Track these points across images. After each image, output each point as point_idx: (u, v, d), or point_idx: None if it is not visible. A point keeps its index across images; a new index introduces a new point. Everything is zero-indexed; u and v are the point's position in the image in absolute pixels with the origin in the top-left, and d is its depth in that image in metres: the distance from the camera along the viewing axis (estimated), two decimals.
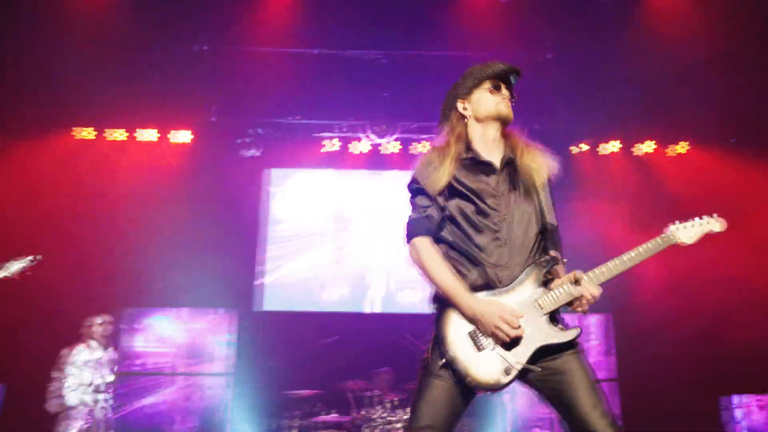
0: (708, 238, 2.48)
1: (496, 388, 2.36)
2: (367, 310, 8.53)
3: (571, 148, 8.68)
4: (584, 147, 8.71)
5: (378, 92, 8.40)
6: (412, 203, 2.67)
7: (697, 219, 2.54)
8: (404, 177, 9.13)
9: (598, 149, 8.70)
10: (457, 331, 2.42)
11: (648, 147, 8.68)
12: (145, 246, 7.77)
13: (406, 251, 2.62)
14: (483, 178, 2.59)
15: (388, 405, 6.73)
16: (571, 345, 2.40)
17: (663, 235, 2.53)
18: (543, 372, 2.37)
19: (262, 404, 7.51)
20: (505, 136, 2.72)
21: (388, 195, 9.15)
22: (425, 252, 2.53)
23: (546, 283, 2.49)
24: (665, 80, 7.76)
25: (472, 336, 2.40)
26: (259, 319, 8.21)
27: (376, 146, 8.82)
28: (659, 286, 7.69)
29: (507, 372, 2.34)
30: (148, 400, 7.48)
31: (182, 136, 8.61)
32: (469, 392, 2.43)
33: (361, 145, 8.83)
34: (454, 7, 7.09)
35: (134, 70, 7.69)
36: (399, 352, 7.36)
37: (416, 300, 8.63)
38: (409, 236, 2.60)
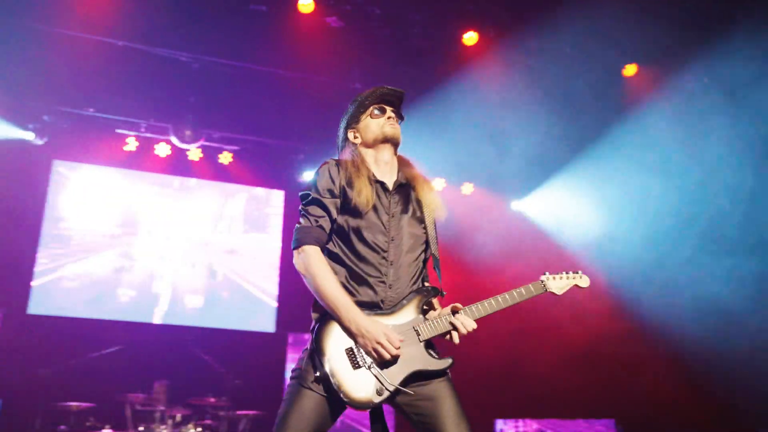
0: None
1: (368, 406, 2.40)
2: (152, 320, 8.18)
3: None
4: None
5: (184, 97, 8.15)
6: (305, 211, 2.62)
7: (565, 273, 2.74)
8: (205, 186, 8.97)
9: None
10: (336, 345, 2.43)
11: (439, 185, 9.30)
12: None
13: (294, 259, 2.58)
14: (376, 198, 2.63)
15: (170, 421, 6.48)
16: (442, 373, 2.50)
17: (536, 283, 2.70)
18: (413, 397, 2.44)
19: (27, 415, 6.85)
20: (400, 161, 2.81)
21: (184, 202, 8.89)
22: (315, 261, 2.51)
23: (425, 312, 2.58)
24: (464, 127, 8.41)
25: (350, 353, 2.42)
26: (31, 322, 7.52)
27: (177, 151, 8.52)
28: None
29: (379, 392, 2.39)
30: None
31: None
32: (338, 408, 2.45)
33: (162, 149, 8.49)
34: (281, 23, 7.10)
35: None
36: (184, 365, 7.15)
37: (204, 312, 8.46)
38: (299, 243, 2.55)
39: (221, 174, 8.95)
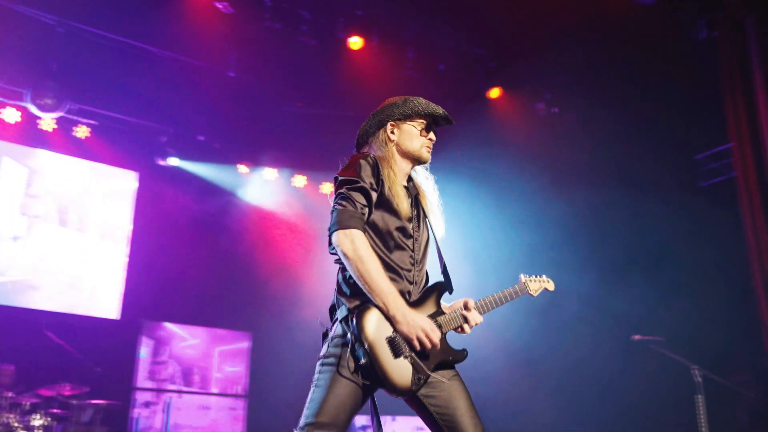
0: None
1: (408, 394, 2.48)
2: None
3: (238, 166, 8.98)
4: (244, 168, 9.06)
5: (46, 62, 7.58)
6: (349, 196, 2.55)
7: (536, 276, 2.96)
8: (55, 159, 8.42)
9: (262, 173, 9.12)
10: (379, 334, 2.44)
11: (300, 181, 9.37)
12: None
13: (335, 239, 2.51)
14: (405, 201, 2.68)
15: (18, 410, 6.03)
16: (458, 363, 2.63)
17: (520, 284, 2.91)
18: (434, 389, 2.54)
19: None
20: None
21: (31, 173, 8.23)
22: (365, 245, 2.48)
23: (439, 306, 2.68)
24: (332, 124, 8.58)
25: (390, 342, 2.45)
26: None
27: (28, 119, 7.87)
28: (299, 305, 8.35)
29: (418, 380, 2.47)
30: None
31: None
32: (368, 395, 2.49)
33: (10, 114, 7.80)
34: (171, 5, 6.87)
35: None
36: (30, 349, 6.68)
37: (44, 295, 7.90)
38: (346, 225, 2.48)
39: (74, 148, 8.41)
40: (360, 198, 2.56)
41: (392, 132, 2.81)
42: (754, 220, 7.08)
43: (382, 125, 2.83)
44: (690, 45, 8.03)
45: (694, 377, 4.65)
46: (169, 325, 7.85)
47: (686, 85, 8.21)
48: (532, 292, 2.94)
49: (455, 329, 2.71)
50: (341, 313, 2.55)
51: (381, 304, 2.45)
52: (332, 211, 2.58)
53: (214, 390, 7.60)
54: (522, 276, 2.95)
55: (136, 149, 8.71)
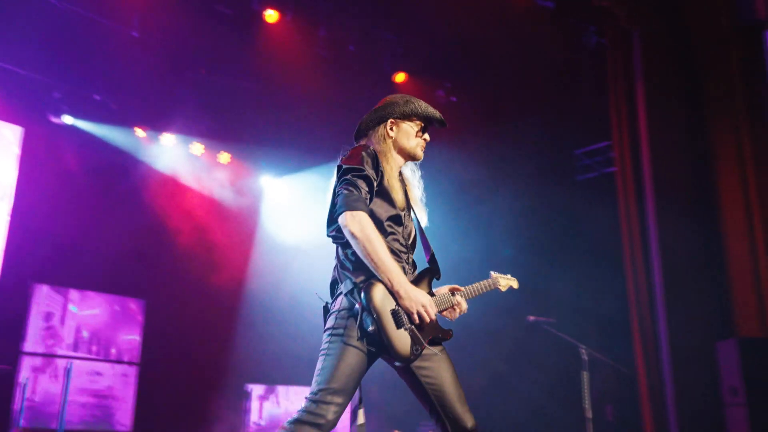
0: None
1: (407, 362, 2.68)
2: None
3: (135, 129, 8.72)
4: (140, 132, 8.82)
5: None
6: (355, 182, 2.73)
7: (501, 274, 3.23)
8: None
9: (160, 138, 8.91)
10: (384, 306, 2.64)
11: (197, 149, 9.22)
12: None
13: (343, 220, 2.68)
14: (401, 193, 2.89)
15: None
16: (445, 339, 2.84)
17: (491, 279, 3.16)
18: (426, 361, 2.76)
19: None
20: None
21: None
22: (371, 226, 2.66)
23: (430, 289, 2.91)
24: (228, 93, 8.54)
25: (394, 314, 2.66)
26: None
27: None
28: (196, 273, 8.32)
29: (416, 350, 2.68)
30: None
31: None
32: (369, 363, 2.68)
33: None
34: None
35: None
36: None
37: None
38: (354, 207, 2.66)
39: None
40: (364, 185, 2.76)
41: (391, 129, 3.03)
42: (629, 213, 7.82)
43: (382, 121, 3.04)
44: (582, 49, 8.68)
45: (581, 355, 5.16)
46: (61, 289, 7.56)
47: (576, 85, 8.89)
48: (501, 288, 3.21)
49: (442, 312, 2.96)
50: (346, 287, 2.75)
51: (386, 280, 2.66)
52: (337, 195, 2.76)
53: (107, 356, 7.45)
54: (492, 273, 3.23)
55: (25, 103, 8.26)
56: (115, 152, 8.53)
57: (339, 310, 2.74)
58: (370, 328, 2.62)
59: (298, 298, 8.29)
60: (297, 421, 2.57)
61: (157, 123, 8.84)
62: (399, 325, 2.67)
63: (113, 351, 7.52)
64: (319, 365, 2.68)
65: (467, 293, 3.03)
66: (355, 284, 2.71)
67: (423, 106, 3.07)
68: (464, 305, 2.97)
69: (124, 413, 7.36)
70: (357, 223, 2.64)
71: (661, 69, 7.98)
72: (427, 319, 2.70)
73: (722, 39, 7.87)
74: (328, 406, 2.56)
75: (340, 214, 2.70)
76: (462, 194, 8.71)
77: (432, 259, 2.99)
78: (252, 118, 8.80)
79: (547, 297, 7.73)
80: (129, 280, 7.91)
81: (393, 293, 2.69)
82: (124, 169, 8.56)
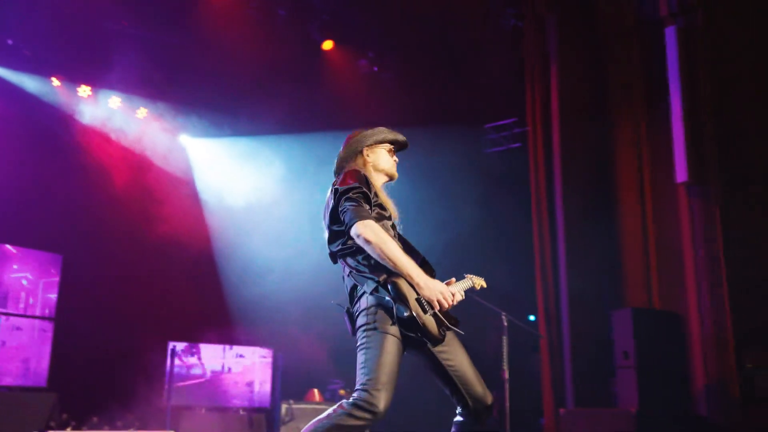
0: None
1: (438, 341, 2.97)
2: None
3: (52, 78, 8.41)
4: (56, 82, 8.53)
5: None
6: (355, 198, 3.02)
7: (474, 276, 3.55)
8: None
9: (77, 89, 8.63)
10: (410, 296, 2.91)
11: (114, 102, 8.99)
12: None
13: (356, 230, 2.94)
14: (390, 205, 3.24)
15: None
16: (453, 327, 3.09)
17: (467, 280, 3.45)
18: (443, 345, 3.03)
19: None
20: None
21: None
22: (383, 232, 2.95)
23: None
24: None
25: (418, 301, 2.93)
26: None
27: None
28: (116, 228, 8.23)
29: (442, 332, 2.98)
30: None
31: None
32: (404, 349, 2.95)
33: None
34: None
35: None
36: None
37: None
38: (363, 217, 2.94)
39: None
40: (364, 202, 3.05)
41: (368, 155, 3.36)
42: (538, 186, 8.44)
43: (357, 152, 3.36)
44: (499, 30, 9.13)
45: (503, 321, 5.67)
46: None
47: (490, 63, 9.34)
48: (476, 287, 3.55)
49: None
50: (369, 286, 2.98)
51: (405, 275, 2.94)
52: (344, 212, 3.02)
53: (25, 311, 7.31)
54: (466, 275, 3.54)
55: None
56: (31, 101, 8.23)
57: (367, 308, 2.97)
58: (406, 314, 2.88)
59: (221, 256, 8.43)
60: (353, 406, 2.78)
61: (74, 74, 8.57)
62: (425, 311, 2.97)
63: (31, 305, 7.41)
64: (361, 359, 2.88)
65: (459, 287, 3.35)
66: (378, 282, 2.96)
67: (388, 132, 3.44)
68: (461, 295, 3.27)
69: (41, 369, 7.29)
70: (370, 230, 2.92)
71: (573, 55, 8.56)
72: (446, 304, 3.02)
73: (627, 32, 8.54)
74: (379, 393, 2.78)
75: (352, 225, 2.97)
76: None
77: (424, 261, 3.24)
78: (174, 76, 8.70)
79: (461, 268, 8.23)
80: (46, 234, 7.74)
81: (413, 285, 2.97)
82: (40, 119, 8.28)
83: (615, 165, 8.30)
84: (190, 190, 9.02)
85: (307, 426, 2.82)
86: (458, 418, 3.10)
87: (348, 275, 3.11)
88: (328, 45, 8.86)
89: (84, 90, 8.74)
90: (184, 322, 7.99)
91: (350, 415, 2.76)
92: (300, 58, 8.73)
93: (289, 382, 8.22)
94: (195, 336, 7.90)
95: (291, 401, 7.72)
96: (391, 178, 3.43)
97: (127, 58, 8.46)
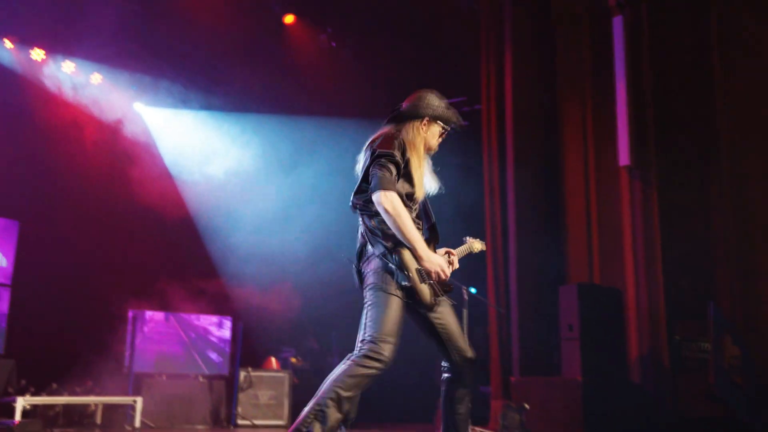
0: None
1: (430, 308, 3.29)
2: None
3: (4, 39, 8.22)
4: (8, 43, 8.34)
5: None
6: (386, 166, 3.23)
7: (474, 239, 3.88)
8: None
9: (30, 52, 8.45)
10: (412, 265, 3.21)
11: (37, 55, 8.75)
12: None
13: (378, 198, 3.18)
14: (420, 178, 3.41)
15: None
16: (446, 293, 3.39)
17: (467, 244, 3.80)
18: (436, 309, 3.34)
19: None
20: None
21: None
22: (401, 206, 3.19)
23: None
24: None
25: (418, 271, 3.23)
26: None
27: None
28: (74, 198, 8.19)
29: (435, 299, 3.30)
30: None
31: None
32: (404, 310, 3.24)
33: None
34: None
35: None
36: None
37: None
38: (387, 188, 3.17)
39: None
40: (393, 169, 3.28)
41: (423, 125, 3.48)
42: (491, 162, 8.81)
43: (418, 117, 3.47)
44: (455, 11, 9.39)
45: (464, 295, 6.03)
46: None
47: (445, 43, 9.60)
48: (475, 250, 3.90)
49: None
50: (378, 249, 3.28)
51: (411, 247, 3.24)
52: (372, 176, 3.26)
53: None
54: (467, 238, 3.89)
55: None
56: None
57: (375, 269, 3.29)
58: (404, 283, 3.22)
59: (183, 224, 8.51)
60: (363, 357, 3.10)
61: (27, 37, 8.40)
62: (423, 280, 3.28)
63: None
64: (369, 314, 3.21)
65: (458, 254, 3.70)
66: (386, 248, 3.27)
67: (455, 118, 3.60)
68: (456, 264, 3.64)
69: None
70: (389, 202, 3.18)
71: (527, 37, 8.91)
72: (443, 276, 3.34)
73: (578, 19, 8.93)
74: (386, 344, 3.12)
75: (376, 192, 3.22)
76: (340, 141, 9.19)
77: (432, 228, 3.56)
78: (131, 45, 8.63)
79: None
80: (1, 200, 7.67)
81: (416, 257, 3.27)
82: None
83: (563, 147, 8.74)
84: (149, 157, 9.01)
85: (323, 385, 3.10)
86: (445, 375, 3.46)
87: (362, 233, 3.41)
88: (289, 19, 8.93)
89: (37, 53, 8.60)
90: (144, 289, 8.07)
91: (361, 365, 3.08)
92: (262, 31, 8.78)
93: (248, 349, 8.46)
94: (155, 304, 8.01)
95: (249, 368, 7.96)
96: (429, 152, 3.58)
97: (83, 24, 8.37)
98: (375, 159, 3.31)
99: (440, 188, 3.62)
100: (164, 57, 8.73)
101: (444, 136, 3.60)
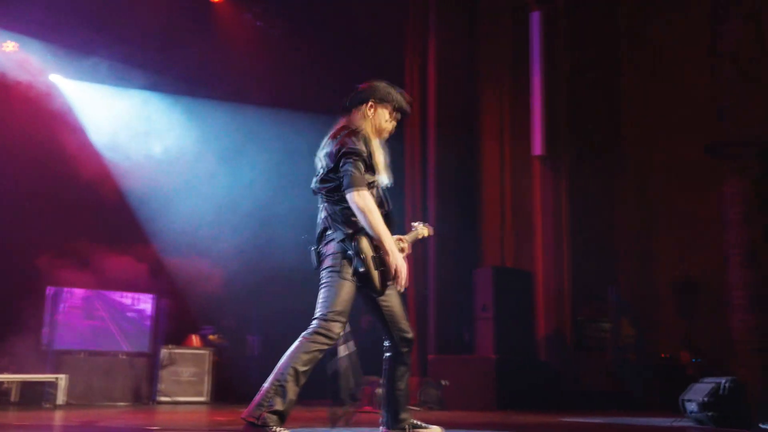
0: None
1: (381, 293, 3.45)
2: None
3: None
4: None
5: None
6: (354, 163, 3.36)
7: (422, 223, 4.02)
8: None
9: None
10: (369, 252, 3.38)
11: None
12: None
13: (351, 197, 3.33)
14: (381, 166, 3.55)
15: None
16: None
17: (416, 230, 3.93)
18: (385, 294, 3.51)
19: None
20: None
21: None
22: (372, 202, 3.35)
23: None
24: None
25: (374, 259, 3.38)
26: None
27: None
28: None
29: (384, 286, 3.44)
30: None
31: None
32: (356, 293, 3.40)
33: None
34: None
35: None
36: None
37: None
38: (358, 186, 3.32)
39: None
40: (361, 166, 3.43)
41: (370, 110, 3.62)
42: (413, 148, 9.14)
43: (364, 100, 3.62)
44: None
45: None
46: None
47: (372, 32, 9.75)
48: (425, 234, 4.05)
49: None
50: (338, 236, 3.44)
51: (379, 241, 3.41)
52: (345, 174, 3.39)
53: None
54: (413, 223, 4.05)
55: None
56: None
57: (334, 253, 3.45)
58: (361, 269, 3.40)
59: (107, 198, 8.37)
60: (314, 333, 3.28)
61: None
62: (376, 267, 3.46)
63: None
64: (323, 294, 3.39)
65: (408, 241, 3.84)
66: (346, 235, 3.44)
67: (399, 99, 3.70)
68: (408, 249, 3.80)
69: None
70: (362, 200, 3.36)
71: (451, 27, 9.23)
72: (401, 275, 3.47)
73: (499, 12, 9.32)
74: (335, 323, 3.32)
75: (350, 191, 3.38)
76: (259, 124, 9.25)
77: (386, 215, 3.60)
78: (51, 17, 8.38)
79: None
80: None
81: (380, 248, 3.43)
82: None
83: (481, 136, 9.14)
84: (72, 131, 8.80)
85: (279, 363, 3.28)
86: (386, 354, 3.65)
87: (324, 218, 3.57)
88: None
89: None
90: (65, 265, 7.96)
91: (313, 342, 3.29)
92: (189, 16, 8.71)
93: (170, 326, 8.48)
94: (76, 280, 7.92)
95: (171, 346, 8.01)
96: (380, 137, 3.70)
97: None
98: (343, 156, 3.46)
99: (392, 182, 3.74)
100: (87, 32, 8.52)
101: (394, 118, 3.73)
